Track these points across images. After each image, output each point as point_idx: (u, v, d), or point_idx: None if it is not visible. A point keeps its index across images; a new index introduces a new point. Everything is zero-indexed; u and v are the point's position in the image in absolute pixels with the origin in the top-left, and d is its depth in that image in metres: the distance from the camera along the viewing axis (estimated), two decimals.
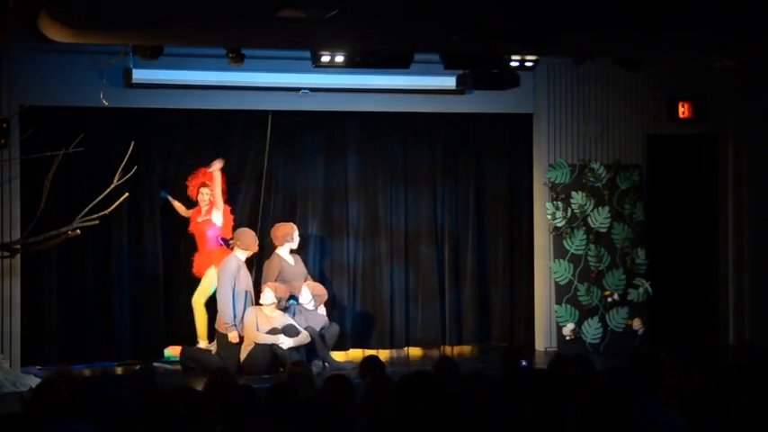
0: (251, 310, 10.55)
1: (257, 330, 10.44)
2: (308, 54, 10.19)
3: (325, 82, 11.30)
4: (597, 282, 12.25)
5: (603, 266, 12.28)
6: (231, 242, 10.92)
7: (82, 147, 10.35)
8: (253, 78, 11.17)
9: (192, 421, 5.26)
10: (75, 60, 10.44)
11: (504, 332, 12.45)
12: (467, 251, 12.40)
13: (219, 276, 10.68)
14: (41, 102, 10.60)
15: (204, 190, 11.16)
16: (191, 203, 11.32)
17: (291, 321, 10.59)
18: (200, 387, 6.35)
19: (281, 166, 11.84)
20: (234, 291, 10.58)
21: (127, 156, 10.40)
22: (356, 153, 12.11)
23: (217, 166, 11.09)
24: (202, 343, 11.09)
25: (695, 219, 13.00)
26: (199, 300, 11.11)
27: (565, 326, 12.14)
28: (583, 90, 12.43)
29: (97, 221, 10.31)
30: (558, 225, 12.20)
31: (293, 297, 10.90)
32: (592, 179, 12.31)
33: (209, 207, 11.13)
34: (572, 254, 12.22)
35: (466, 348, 12.37)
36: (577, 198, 12.25)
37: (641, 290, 12.34)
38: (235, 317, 10.56)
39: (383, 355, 11.61)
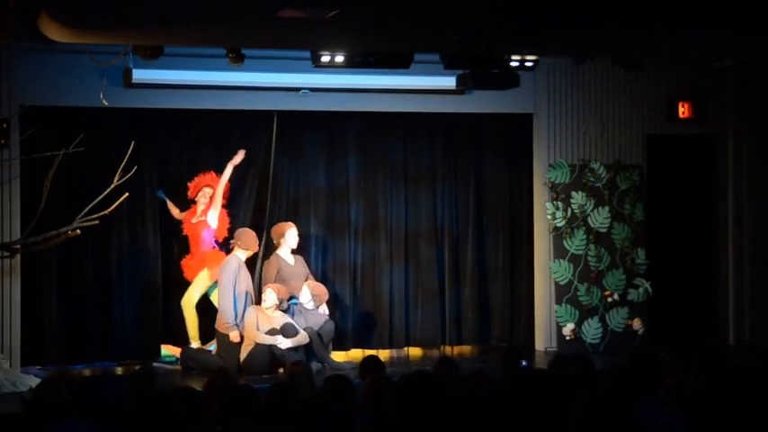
0: (251, 310, 10.55)
1: (257, 330, 10.44)
2: (308, 54, 10.18)
3: (325, 82, 11.30)
4: (597, 282, 12.25)
5: (603, 266, 12.28)
6: (231, 242, 10.92)
7: (82, 147, 10.36)
8: (253, 78, 11.17)
9: (192, 421, 5.26)
10: (76, 60, 10.44)
11: (504, 332, 12.45)
12: (467, 251, 12.40)
13: (220, 276, 10.68)
14: (41, 102, 10.60)
15: (207, 189, 11.16)
16: (185, 205, 11.31)
17: (291, 321, 10.59)
18: (200, 387, 6.34)
19: (281, 166, 11.84)
20: (234, 291, 10.58)
21: (127, 156, 10.40)
22: (356, 153, 12.11)
23: (239, 157, 11.12)
24: (195, 344, 11.08)
25: (695, 219, 13.00)
26: (189, 301, 11.08)
27: (565, 326, 12.14)
28: (583, 90, 12.43)
29: (97, 221, 10.31)
30: (558, 225, 12.20)
31: (293, 297, 10.90)
32: (592, 179, 12.31)
33: (206, 207, 11.11)
34: (572, 254, 12.22)
35: (466, 348, 12.37)
36: (577, 198, 12.25)
37: (641, 290, 12.34)
38: (236, 316, 10.56)
39: (383, 355, 11.61)
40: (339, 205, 12.04)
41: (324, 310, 10.94)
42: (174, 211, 11.34)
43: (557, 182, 12.23)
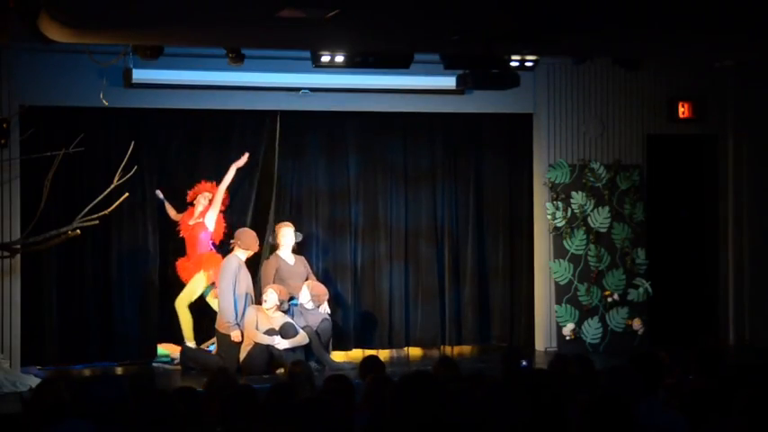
0: (251, 310, 10.55)
1: (256, 330, 10.44)
2: (308, 54, 10.19)
3: (325, 82, 11.31)
4: (597, 282, 12.25)
5: (603, 266, 12.28)
6: (231, 242, 10.91)
7: (82, 147, 10.36)
8: (253, 78, 11.17)
9: (192, 421, 5.26)
10: (76, 60, 10.44)
11: (504, 332, 12.45)
12: (467, 251, 12.40)
13: (220, 276, 10.67)
14: (41, 102, 10.60)
15: (207, 194, 11.16)
16: (182, 207, 11.31)
17: (291, 321, 10.58)
18: (200, 387, 6.34)
19: (281, 166, 11.83)
20: (234, 290, 10.58)
21: (127, 156, 10.41)
22: (356, 153, 12.11)
23: (244, 159, 11.16)
24: (190, 344, 11.08)
25: (695, 219, 13.00)
26: (183, 302, 11.07)
27: (565, 326, 12.14)
28: (583, 90, 12.43)
29: (97, 221, 10.31)
30: (558, 225, 12.20)
31: (294, 298, 10.90)
32: (592, 179, 12.32)
33: (205, 209, 11.11)
34: (572, 254, 12.22)
35: (466, 348, 12.38)
36: (577, 198, 12.25)
37: (641, 290, 12.34)
38: (236, 316, 10.56)
39: (383, 355, 11.61)
40: (339, 205, 12.04)
41: (325, 309, 10.93)
42: (171, 212, 11.34)
43: (557, 182, 12.24)
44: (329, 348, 10.95)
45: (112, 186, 10.37)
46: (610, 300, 12.25)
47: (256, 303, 10.74)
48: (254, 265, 11.20)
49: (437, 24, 8.62)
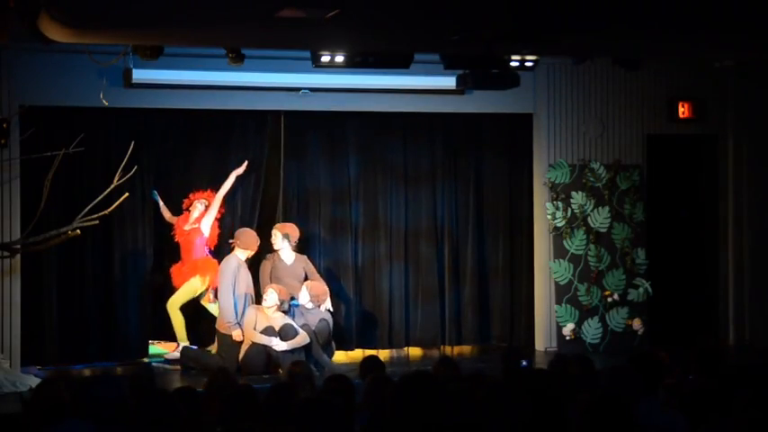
0: (251, 309, 10.54)
1: (254, 329, 10.43)
2: (308, 54, 10.18)
3: (325, 82, 11.30)
4: (597, 282, 12.25)
5: (603, 266, 12.28)
6: (231, 242, 10.91)
7: (82, 147, 10.36)
8: (253, 78, 11.17)
9: (192, 421, 5.26)
10: (76, 60, 10.43)
11: (504, 332, 12.45)
12: (467, 251, 12.40)
13: (220, 276, 10.67)
14: (41, 102, 10.60)
15: (203, 200, 11.17)
16: (178, 210, 11.30)
17: (291, 322, 10.57)
18: (200, 387, 6.34)
19: (281, 166, 11.83)
20: (234, 290, 10.57)
21: (127, 156, 10.41)
22: (356, 153, 12.11)
23: (243, 167, 11.21)
24: (185, 344, 11.08)
25: (695, 219, 13.00)
26: (174, 305, 11.06)
27: (565, 326, 12.14)
28: (583, 90, 12.43)
29: (97, 221, 10.31)
30: (558, 225, 12.21)
31: (294, 298, 10.88)
32: (592, 179, 12.32)
33: (201, 215, 11.10)
34: (572, 254, 12.22)
35: (466, 348, 12.37)
36: (577, 198, 12.25)
37: (641, 290, 12.34)
38: (237, 315, 10.55)
39: (383, 355, 11.61)
40: (339, 205, 12.04)
41: (326, 307, 10.88)
42: (167, 214, 11.34)
43: (557, 182, 12.24)
44: (332, 348, 10.92)
45: (112, 186, 10.37)
46: (610, 300, 12.25)
47: (256, 303, 10.74)
48: (254, 264, 11.20)
49: (437, 24, 8.62)
